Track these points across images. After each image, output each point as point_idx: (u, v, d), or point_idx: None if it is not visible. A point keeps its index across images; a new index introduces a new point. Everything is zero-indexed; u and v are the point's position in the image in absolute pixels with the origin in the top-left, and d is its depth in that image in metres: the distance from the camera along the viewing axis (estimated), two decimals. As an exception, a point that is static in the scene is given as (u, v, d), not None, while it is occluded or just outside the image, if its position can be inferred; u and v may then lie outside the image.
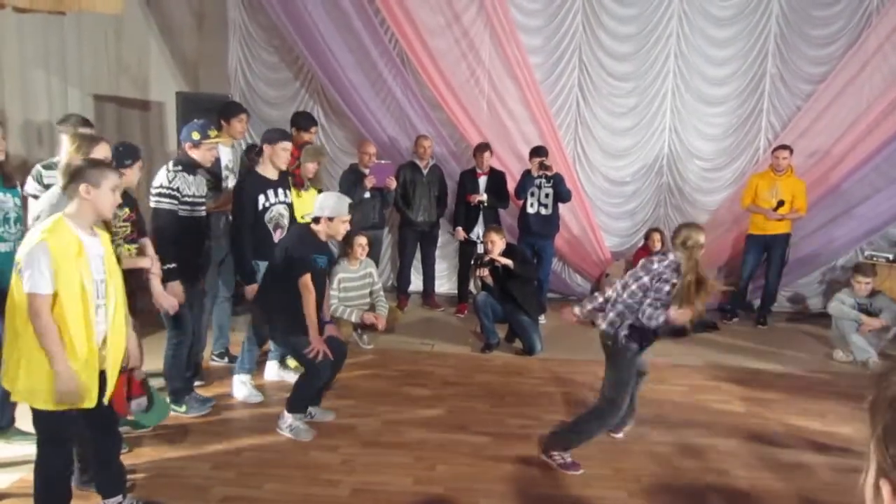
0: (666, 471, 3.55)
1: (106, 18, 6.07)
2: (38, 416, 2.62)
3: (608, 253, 7.18)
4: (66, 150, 3.02)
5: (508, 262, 5.32)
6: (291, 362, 4.80)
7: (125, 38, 6.57)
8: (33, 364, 2.52)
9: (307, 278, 3.75)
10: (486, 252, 5.39)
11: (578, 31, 6.92)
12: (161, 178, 3.86)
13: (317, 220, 3.84)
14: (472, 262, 5.56)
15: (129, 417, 3.31)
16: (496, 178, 6.40)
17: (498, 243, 5.37)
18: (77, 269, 2.53)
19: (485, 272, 5.35)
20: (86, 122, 4.11)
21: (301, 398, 3.88)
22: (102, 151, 3.05)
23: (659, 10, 6.82)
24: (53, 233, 2.51)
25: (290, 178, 4.59)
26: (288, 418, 3.85)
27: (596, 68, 6.97)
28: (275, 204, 4.25)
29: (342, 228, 3.86)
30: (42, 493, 2.71)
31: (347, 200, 3.90)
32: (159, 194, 3.83)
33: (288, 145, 4.27)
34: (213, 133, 4.00)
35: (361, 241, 5.30)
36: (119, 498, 2.91)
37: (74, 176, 2.58)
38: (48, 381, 2.51)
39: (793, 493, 3.36)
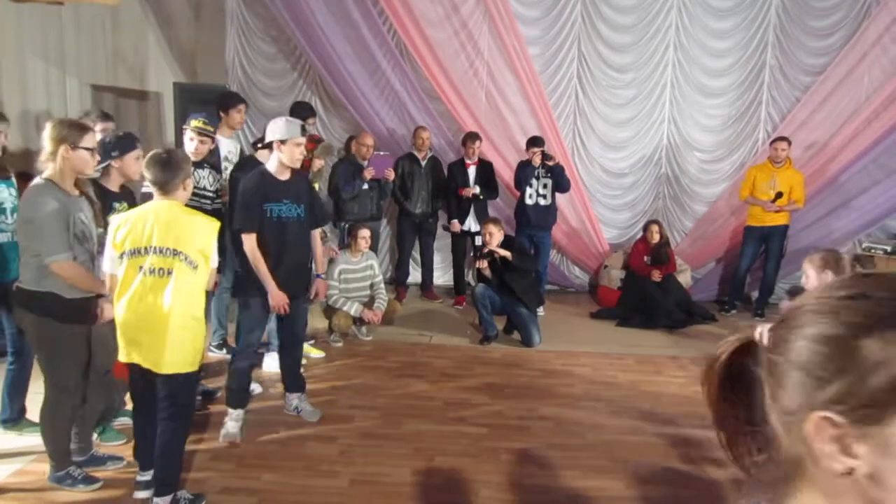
0: (663, 462, 3.57)
1: (103, 9, 6.06)
2: (189, 379, 2.86)
3: (607, 245, 7.19)
4: (49, 138, 2.90)
5: (507, 253, 5.32)
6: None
7: (122, 29, 6.55)
8: (200, 333, 2.85)
9: (249, 240, 3.45)
10: (485, 244, 5.39)
11: (577, 22, 6.90)
12: None
13: (271, 148, 3.55)
14: (472, 254, 5.55)
15: None
16: (485, 168, 6.40)
17: (496, 235, 5.37)
18: None
19: (484, 264, 5.35)
20: (107, 117, 4.07)
21: (235, 387, 3.67)
22: (90, 141, 2.97)
23: (658, 0, 6.79)
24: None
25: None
26: (292, 399, 3.90)
27: (595, 59, 6.95)
28: None
29: (297, 153, 3.52)
30: (178, 460, 2.91)
31: (299, 122, 3.60)
32: None
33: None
34: (194, 122, 3.90)
35: (364, 233, 5.30)
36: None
37: (178, 171, 2.78)
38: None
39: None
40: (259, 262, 3.47)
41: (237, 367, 3.67)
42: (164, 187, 2.78)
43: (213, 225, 2.82)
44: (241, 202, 3.48)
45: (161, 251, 2.69)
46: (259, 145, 3.85)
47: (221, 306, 4.78)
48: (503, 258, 5.33)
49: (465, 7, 6.69)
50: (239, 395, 3.69)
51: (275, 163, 3.53)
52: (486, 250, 5.36)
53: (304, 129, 3.54)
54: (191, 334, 2.80)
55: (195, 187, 3.92)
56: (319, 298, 4.01)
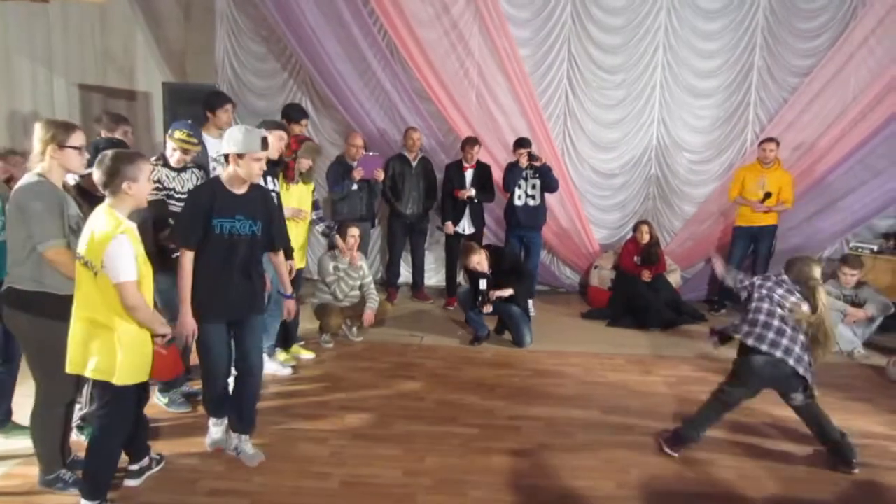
0: (653, 461, 3.58)
1: (91, 8, 6.02)
2: (123, 393, 2.81)
3: (597, 245, 7.21)
4: (38, 138, 2.92)
5: (508, 292, 5.31)
6: (282, 354, 4.80)
7: (111, 28, 6.50)
8: (135, 346, 2.78)
9: (186, 257, 3.11)
10: (489, 290, 5.32)
11: (567, 24, 6.92)
12: None
13: (226, 159, 3.24)
14: (478, 300, 5.38)
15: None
16: (482, 171, 6.39)
17: (483, 262, 5.29)
18: (141, 252, 2.79)
19: (488, 308, 5.32)
20: (120, 119, 4.04)
21: (209, 413, 3.55)
22: (78, 139, 2.97)
23: (647, 2, 6.83)
24: (122, 224, 2.70)
25: (283, 171, 4.55)
26: (211, 429, 3.57)
27: (585, 60, 6.98)
28: None
29: (256, 168, 3.18)
30: (97, 464, 2.90)
31: (260, 134, 3.21)
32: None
33: (280, 134, 4.13)
34: (178, 133, 3.85)
35: (354, 232, 5.29)
36: (146, 460, 3.22)
37: (114, 175, 2.70)
38: (146, 355, 2.83)
39: (779, 482, 3.40)
40: (186, 280, 3.12)
41: (207, 390, 3.45)
42: (105, 188, 2.74)
43: (107, 234, 2.64)
44: (186, 214, 3.13)
45: (77, 256, 2.74)
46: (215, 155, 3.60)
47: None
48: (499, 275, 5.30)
49: (456, 7, 6.70)
50: (216, 405, 3.49)
51: (230, 175, 3.20)
52: (493, 297, 5.31)
53: (265, 143, 3.21)
54: (94, 339, 2.72)
55: (178, 191, 3.89)
56: (291, 318, 3.91)
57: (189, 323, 3.16)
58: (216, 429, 3.58)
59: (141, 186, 2.77)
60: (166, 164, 3.91)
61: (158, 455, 3.34)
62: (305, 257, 5.01)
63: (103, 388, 2.83)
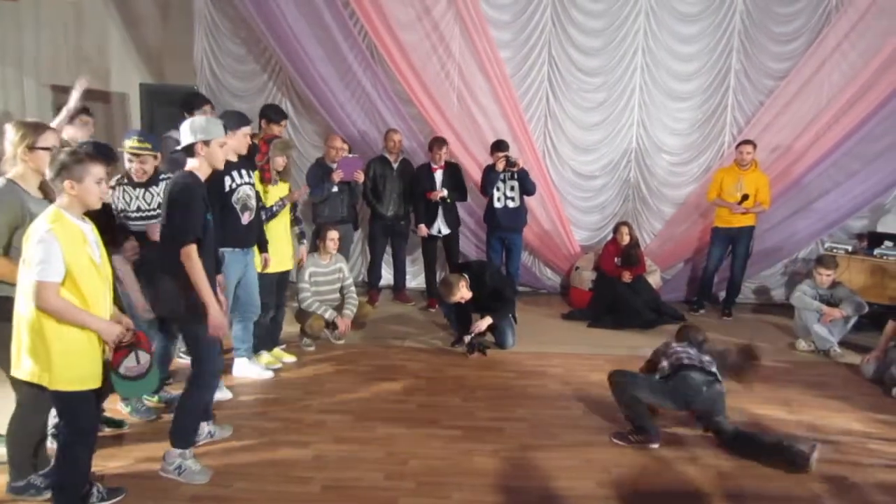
0: (633, 461, 3.60)
1: (64, 6, 5.92)
2: (69, 399, 2.68)
3: (578, 247, 7.25)
4: (9, 140, 2.89)
5: (487, 322, 5.23)
6: (263, 358, 4.75)
7: (85, 27, 6.40)
8: (71, 348, 2.62)
9: (190, 250, 3.02)
10: (471, 334, 5.23)
11: (548, 26, 6.95)
12: None
13: (190, 152, 3.17)
14: (467, 349, 5.23)
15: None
16: (452, 171, 6.39)
17: (465, 293, 5.18)
18: (87, 254, 2.65)
19: (475, 354, 5.22)
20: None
21: (188, 425, 3.27)
22: (50, 140, 2.92)
23: (627, 5, 6.88)
24: (58, 223, 2.58)
25: (259, 174, 4.51)
26: (174, 457, 3.23)
27: (565, 63, 7.01)
28: (241, 185, 4.07)
29: (221, 154, 3.21)
30: (70, 478, 2.80)
31: (220, 122, 3.31)
32: None
33: (247, 130, 4.03)
34: (128, 143, 3.77)
35: (333, 235, 5.25)
36: (85, 486, 2.94)
37: (59, 172, 2.59)
38: (90, 362, 2.68)
39: (758, 480, 3.44)
40: (203, 275, 3.03)
41: (198, 400, 3.27)
42: (52, 184, 2.65)
43: (36, 229, 2.56)
44: (190, 207, 3.05)
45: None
46: (177, 149, 3.45)
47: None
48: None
49: (437, 10, 6.69)
50: (193, 433, 3.33)
51: (199, 167, 3.18)
52: (480, 343, 5.24)
53: (225, 129, 3.30)
54: (32, 342, 2.61)
55: (143, 209, 3.82)
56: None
57: (222, 320, 3.13)
58: (191, 462, 3.24)
59: (85, 188, 2.62)
60: (130, 182, 3.83)
61: (107, 489, 3.01)
62: (292, 260, 4.96)
63: (53, 397, 2.70)
